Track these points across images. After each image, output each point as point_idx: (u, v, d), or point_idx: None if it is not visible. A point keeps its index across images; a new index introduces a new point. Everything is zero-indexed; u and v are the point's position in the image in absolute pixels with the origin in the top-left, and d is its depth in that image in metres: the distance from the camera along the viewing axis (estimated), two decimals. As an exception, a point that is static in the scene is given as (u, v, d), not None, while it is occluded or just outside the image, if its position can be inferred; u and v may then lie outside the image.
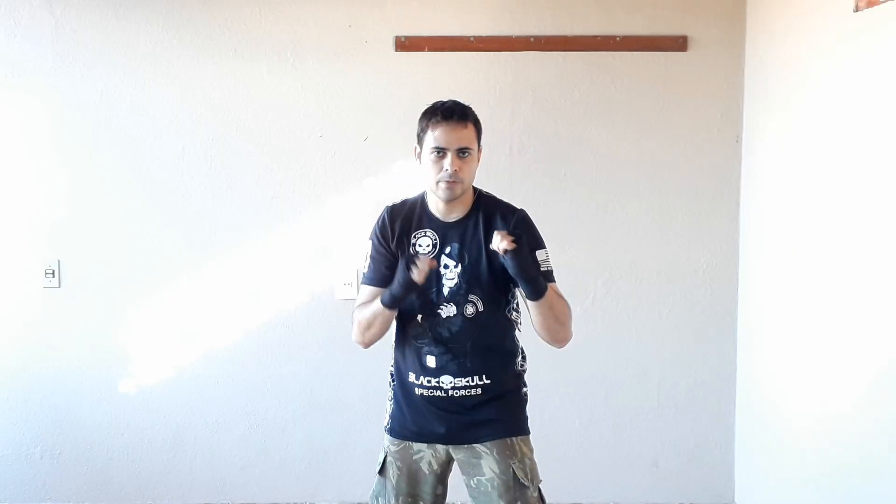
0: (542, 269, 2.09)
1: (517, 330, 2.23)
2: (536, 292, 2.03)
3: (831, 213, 2.74)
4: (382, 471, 2.22)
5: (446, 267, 2.12)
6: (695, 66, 3.32)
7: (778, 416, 3.09)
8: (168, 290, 3.36)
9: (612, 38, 3.29)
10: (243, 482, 3.43)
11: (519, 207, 2.18)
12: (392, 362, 2.27)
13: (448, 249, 2.12)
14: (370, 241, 2.20)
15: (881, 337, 2.48)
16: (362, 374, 3.30)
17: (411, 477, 2.19)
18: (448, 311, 2.12)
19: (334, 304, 3.34)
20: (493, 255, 2.06)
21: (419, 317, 2.14)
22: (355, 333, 2.16)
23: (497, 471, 2.12)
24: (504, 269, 2.04)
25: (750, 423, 3.33)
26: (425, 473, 2.19)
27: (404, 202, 2.21)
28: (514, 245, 1.97)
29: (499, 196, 2.23)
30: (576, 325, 3.32)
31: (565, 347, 2.18)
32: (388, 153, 3.31)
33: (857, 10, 2.56)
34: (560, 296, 2.11)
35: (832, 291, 2.73)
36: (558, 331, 2.11)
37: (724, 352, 3.40)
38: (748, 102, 3.30)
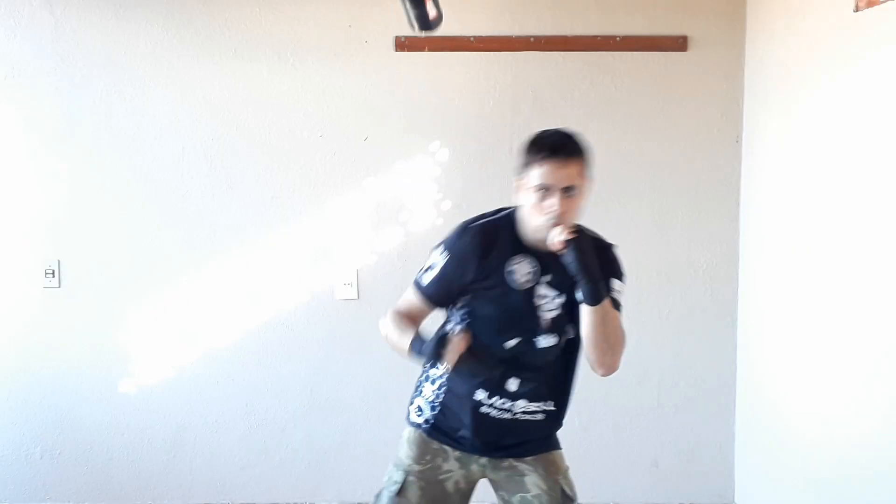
0: (613, 296, 2.00)
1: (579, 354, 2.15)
2: (594, 294, 1.91)
3: (831, 213, 2.73)
4: (402, 492, 2.09)
5: (545, 297, 2.02)
6: (695, 66, 3.32)
7: (778, 416, 3.09)
8: (168, 290, 3.36)
9: (612, 38, 3.30)
10: (243, 482, 3.43)
11: (609, 241, 2.12)
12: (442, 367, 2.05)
13: (548, 278, 2.02)
14: (444, 255, 2.04)
15: (881, 337, 2.48)
16: (362, 374, 3.30)
17: (434, 498, 2.10)
18: (547, 341, 2.03)
19: (334, 304, 3.34)
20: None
21: (513, 342, 2.02)
22: (383, 337, 2.09)
23: (545, 487, 2.09)
24: None
25: (750, 423, 3.33)
26: (449, 493, 2.12)
27: (493, 226, 2.05)
28: (573, 234, 1.89)
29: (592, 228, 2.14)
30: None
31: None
32: (388, 153, 3.32)
33: (857, 10, 2.56)
34: (620, 324, 2.00)
35: (832, 291, 2.73)
36: (605, 352, 1.97)
37: (724, 352, 3.40)
38: (748, 102, 3.30)
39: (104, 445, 3.41)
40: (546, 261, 2.01)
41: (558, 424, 2.18)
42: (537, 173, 1.94)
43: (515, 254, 2.02)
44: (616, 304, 2.01)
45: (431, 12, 2.33)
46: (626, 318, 3.33)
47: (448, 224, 3.28)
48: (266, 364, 3.40)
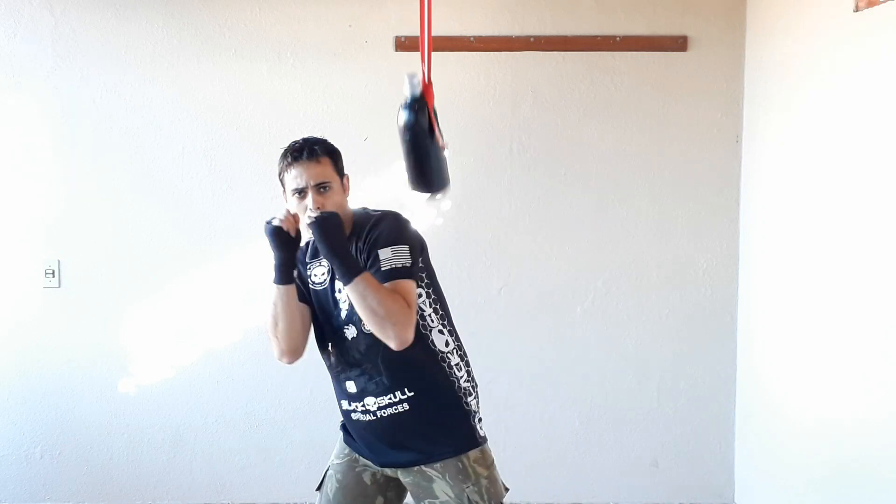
0: (383, 267, 1.98)
1: (436, 333, 2.11)
2: (344, 274, 1.94)
3: (831, 213, 2.73)
4: (321, 486, 2.21)
5: (340, 291, 2.07)
6: (695, 66, 3.32)
7: (778, 416, 3.08)
8: (168, 289, 3.36)
9: (612, 38, 3.29)
10: (243, 482, 3.43)
11: (388, 210, 2.14)
12: None
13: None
14: None
15: (881, 337, 2.48)
16: (362, 374, 3.30)
17: (350, 489, 2.16)
18: (350, 332, 2.07)
19: (334, 304, 3.34)
20: None
21: (330, 345, 2.12)
22: (273, 347, 2.11)
23: (451, 495, 2.05)
24: None
25: (750, 423, 3.33)
26: (366, 484, 2.16)
27: (307, 242, 2.18)
28: (311, 218, 1.96)
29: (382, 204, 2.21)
30: (576, 325, 3.37)
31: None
32: (388, 153, 3.30)
33: (857, 10, 2.56)
34: (393, 294, 1.95)
35: (832, 291, 2.73)
36: (380, 325, 1.93)
37: (724, 352, 3.40)
38: (748, 102, 3.30)
39: (104, 445, 3.41)
40: None
41: (452, 418, 2.10)
42: (289, 178, 2.05)
43: (314, 257, 2.14)
44: (394, 273, 1.98)
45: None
46: (626, 317, 3.38)
47: (448, 224, 3.31)
48: (266, 364, 3.39)
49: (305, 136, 2.13)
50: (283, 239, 2.00)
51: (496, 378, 3.35)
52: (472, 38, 3.29)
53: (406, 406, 2.06)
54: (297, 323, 2.08)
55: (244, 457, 3.43)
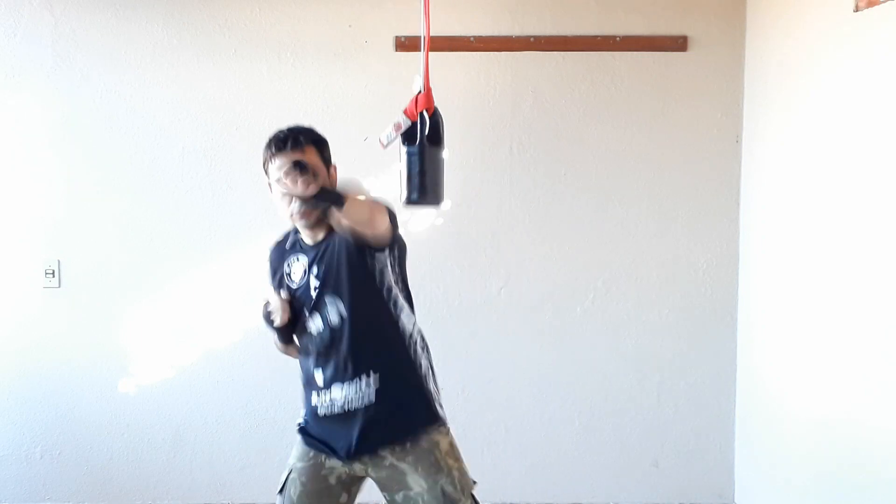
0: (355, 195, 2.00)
1: (405, 316, 2.13)
2: (338, 202, 1.93)
3: (831, 213, 2.73)
4: (283, 490, 2.18)
5: (315, 289, 2.10)
6: (695, 66, 3.32)
7: (778, 415, 3.08)
8: (168, 289, 3.36)
9: (612, 38, 3.29)
10: (243, 482, 3.43)
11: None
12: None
13: (315, 270, 2.10)
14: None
15: (881, 337, 2.48)
16: (362, 374, 3.30)
17: (316, 494, 2.14)
18: (315, 322, 2.11)
19: (334, 304, 3.34)
20: (348, 249, 2.03)
21: (298, 339, 2.19)
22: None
23: (425, 486, 2.07)
24: (358, 252, 2.02)
25: (750, 423, 3.33)
26: (332, 485, 2.14)
27: (285, 234, 2.22)
28: (306, 194, 1.91)
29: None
30: (576, 325, 3.37)
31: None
32: (388, 153, 3.29)
33: (857, 10, 2.56)
34: (366, 201, 2.01)
35: (832, 291, 2.73)
36: (364, 224, 1.96)
37: (724, 352, 3.40)
38: (748, 102, 3.30)
39: (104, 445, 3.41)
40: (310, 252, 2.12)
41: (414, 397, 2.12)
42: (273, 169, 2.04)
43: (293, 253, 2.17)
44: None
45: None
46: (626, 317, 3.38)
47: (448, 224, 3.31)
48: (266, 364, 3.39)
49: (291, 125, 2.11)
50: (279, 328, 2.14)
51: (496, 378, 3.35)
52: (472, 38, 3.29)
53: (372, 392, 2.07)
54: (285, 348, 2.24)
55: (244, 457, 3.43)
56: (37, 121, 3.32)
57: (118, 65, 3.30)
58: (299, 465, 2.19)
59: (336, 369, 2.09)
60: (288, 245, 2.19)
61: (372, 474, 2.13)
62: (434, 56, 3.27)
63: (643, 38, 3.30)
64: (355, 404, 2.08)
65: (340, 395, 2.08)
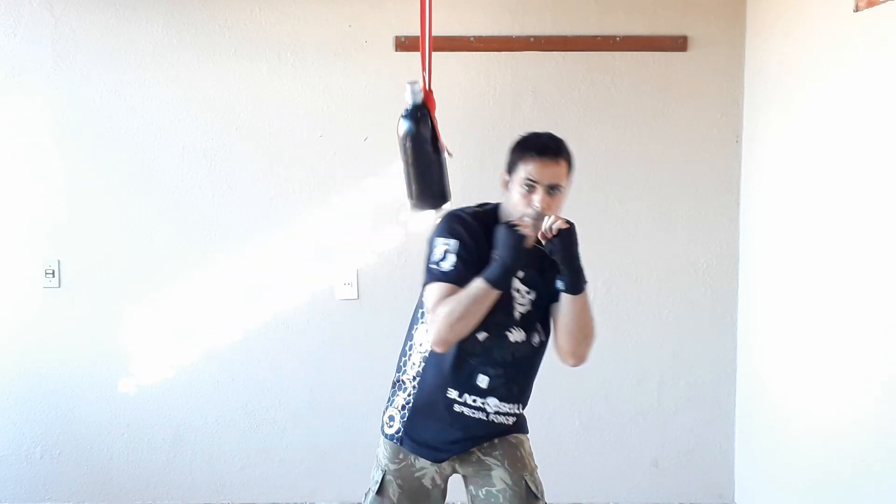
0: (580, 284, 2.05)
1: None
2: (577, 284, 2.00)
3: (831, 213, 2.74)
4: (381, 491, 2.13)
5: (518, 291, 2.07)
6: (695, 66, 3.32)
7: (778, 416, 3.09)
8: (168, 289, 3.36)
9: (612, 38, 3.30)
10: (243, 482, 3.43)
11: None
12: (412, 370, 2.14)
13: (522, 275, 2.06)
14: (451, 240, 2.03)
15: (881, 337, 2.48)
16: (362, 374, 3.30)
17: (413, 494, 2.14)
18: (517, 336, 2.07)
19: (334, 303, 3.34)
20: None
21: (484, 335, 2.04)
22: (441, 331, 1.96)
23: (510, 482, 2.11)
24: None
25: (750, 423, 3.33)
26: (428, 489, 2.15)
27: (483, 214, 2.10)
28: (567, 225, 1.95)
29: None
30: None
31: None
32: (388, 153, 3.29)
33: (857, 10, 2.56)
34: (593, 315, 2.08)
35: (832, 291, 2.73)
36: (581, 341, 2.05)
37: (724, 352, 3.40)
38: (748, 102, 3.30)
39: (104, 445, 3.41)
40: None
41: (525, 428, 2.23)
42: (527, 169, 2.01)
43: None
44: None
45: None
46: (626, 317, 3.38)
47: (448, 224, 3.30)
48: (266, 364, 3.40)
49: (546, 130, 2.08)
50: (524, 250, 1.96)
51: (496, 378, 3.35)
52: (472, 38, 3.29)
53: (513, 420, 2.14)
54: (479, 321, 1.98)
55: (244, 457, 3.43)
56: (37, 121, 3.32)
57: (118, 65, 3.30)
58: (392, 466, 2.15)
59: (504, 386, 2.08)
60: (491, 231, 2.03)
61: (459, 469, 2.17)
62: (434, 56, 3.29)
63: (643, 38, 3.30)
64: (497, 423, 2.11)
65: (492, 409, 2.10)
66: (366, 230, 3.34)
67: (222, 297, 3.36)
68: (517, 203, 2.02)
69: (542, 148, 2.02)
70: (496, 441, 2.14)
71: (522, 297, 2.08)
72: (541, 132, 2.09)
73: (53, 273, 3.34)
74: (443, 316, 1.96)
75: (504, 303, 2.02)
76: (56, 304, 3.35)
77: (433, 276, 2.02)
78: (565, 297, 2.02)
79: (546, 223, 1.96)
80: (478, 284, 1.94)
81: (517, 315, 2.07)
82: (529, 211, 1.99)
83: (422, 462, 2.13)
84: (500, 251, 1.95)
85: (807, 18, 2.88)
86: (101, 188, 3.34)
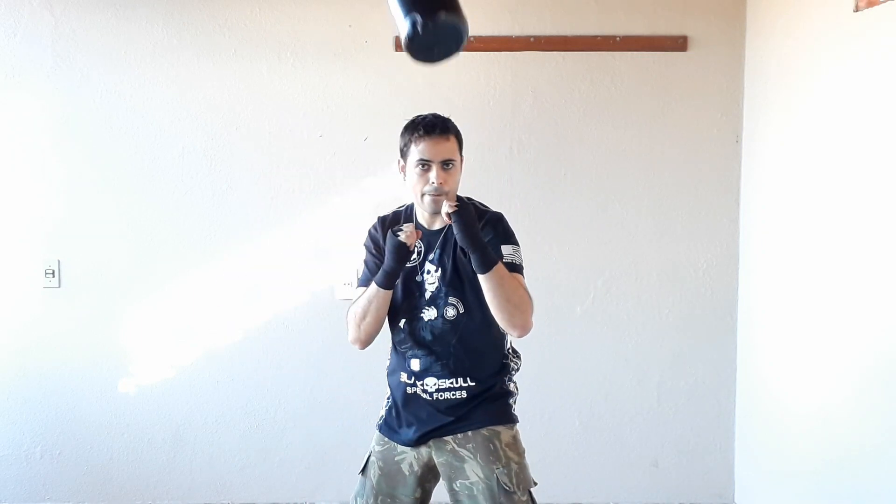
0: (505, 260, 2.11)
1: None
2: (483, 263, 2.04)
3: (831, 213, 2.74)
4: (364, 470, 2.26)
5: (428, 272, 2.17)
6: (695, 66, 3.32)
7: (778, 415, 3.09)
8: (168, 289, 3.36)
9: (612, 38, 3.30)
10: (243, 482, 3.43)
11: (496, 211, 2.25)
12: (388, 365, 2.30)
13: (431, 256, 2.18)
14: (364, 249, 2.26)
15: (881, 337, 2.48)
16: (362, 374, 3.30)
17: (391, 477, 2.21)
18: (429, 314, 2.17)
19: (334, 304, 3.34)
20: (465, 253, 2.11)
21: (402, 322, 2.19)
22: (351, 331, 2.19)
23: (482, 475, 2.13)
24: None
25: (750, 423, 3.33)
26: (405, 475, 2.21)
27: (395, 213, 2.29)
28: (455, 207, 2.04)
29: (482, 201, 2.31)
30: (576, 325, 3.38)
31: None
32: (388, 153, 3.27)
33: (857, 10, 2.56)
34: (520, 285, 2.11)
35: (832, 291, 2.73)
36: (511, 313, 2.07)
37: (724, 352, 3.40)
38: (748, 102, 3.30)
39: (104, 445, 3.41)
40: (429, 239, 2.19)
41: (491, 397, 2.20)
42: (419, 150, 2.13)
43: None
44: (514, 267, 2.13)
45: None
46: (626, 317, 3.38)
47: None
48: (266, 364, 3.40)
49: (432, 112, 2.19)
50: (403, 253, 2.10)
51: (496, 378, 3.35)
52: (471, 38, 3.27)
53: (463, 394, 2.16)
54: (383, 317, 2.17)
55: (244, 457, 3.43)
56: (37, 121, 3.32)
57: (118, 65, 3.30)
58: (377, 448, 2.26)
59: (436, 363, 2.16)
60: (401, 221, 2.22)
61: (435, 458, 2.20)
62: (434, 56, 3.30)
63: (643, 38, 3.30)
64: (444, 400, 2.16)
65: (433, 387, 2.16)
66: (366, 230, 3.33)
67: (222, 297, 3.37)
68: (416, 184, 2.13)
69: (429, 127, 2.12)
70: (470, 433, 2.16)
71: (431, 277, 2.17)
72: (426, 114, 2.18)
73: (53, 273, 3.34)
74: (350, 317, 2.18)
75: (413, 288, 2.17)
76: (56, 304, 3.35)
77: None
78: (480, 277, 2.06)
79: (443, 208, 2.06)
80: (371, 287, 2.14)
81: (428, 295, 2.17)
82: (428, 188, 2.11)
83: (402, 448, 2.21)
84: (386, 256, 2.12)
85: (807, 18, 2.89)
86: (101, 188, 3.34)
